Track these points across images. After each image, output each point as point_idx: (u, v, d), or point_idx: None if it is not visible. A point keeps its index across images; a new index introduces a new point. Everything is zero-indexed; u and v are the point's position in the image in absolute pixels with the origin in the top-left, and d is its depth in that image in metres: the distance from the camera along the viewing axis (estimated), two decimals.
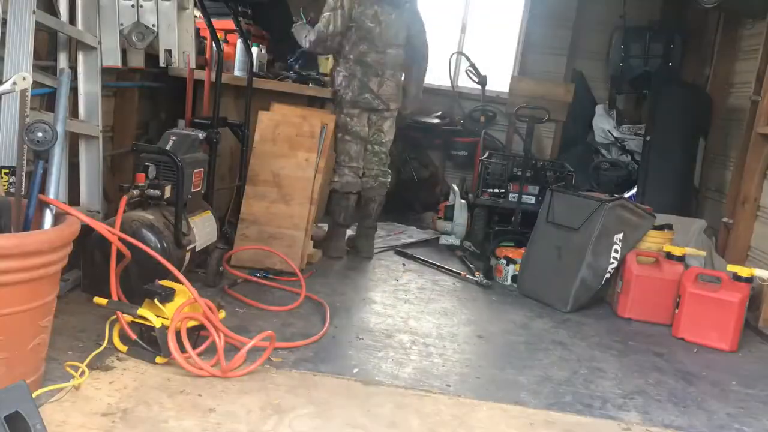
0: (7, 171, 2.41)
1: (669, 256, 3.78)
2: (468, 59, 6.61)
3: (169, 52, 3.45)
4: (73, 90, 3.19)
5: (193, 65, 3.94)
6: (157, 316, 2.40)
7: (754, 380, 3.08)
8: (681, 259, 3.79)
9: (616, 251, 3.80)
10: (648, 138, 5.51)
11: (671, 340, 3.52)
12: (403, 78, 4.50)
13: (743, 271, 3.45)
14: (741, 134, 4.67)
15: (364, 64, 4.22)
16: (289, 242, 3.89)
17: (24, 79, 2.16)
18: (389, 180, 4.57)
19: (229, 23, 4.47)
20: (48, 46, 3.12)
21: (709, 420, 2.60)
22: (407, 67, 4.49)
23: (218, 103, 3.86)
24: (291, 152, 4.05)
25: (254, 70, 4.24)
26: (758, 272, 3.53)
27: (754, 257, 4.30)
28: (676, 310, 3.56)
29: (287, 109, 4.19)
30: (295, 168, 4.02)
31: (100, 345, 2.47)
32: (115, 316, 2.51)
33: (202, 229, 3.37)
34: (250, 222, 3.97)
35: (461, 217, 5.04)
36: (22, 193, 2.23)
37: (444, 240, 5.07)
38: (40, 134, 2.05)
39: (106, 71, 3.41)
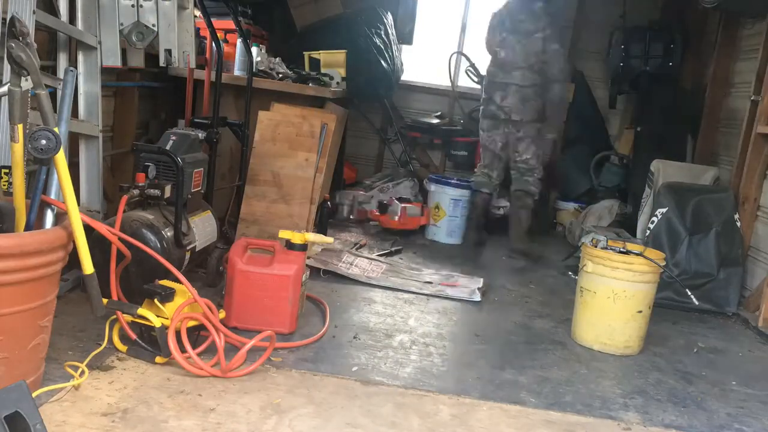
0: (7, 171, 2.41)
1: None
2: (468, 59, 6.60)
3: (169, 51, 3.45)
4: (73, 90, 3.19)
5: (193, 65, 3.94)
6: (157, 316, 2.40)
7: (754, 380, 3.08)
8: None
9: None
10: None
11: None
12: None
13: (296, 237, 2.95)
14: (741, 134, 4.67)
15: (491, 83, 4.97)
16: None
17: (25, 79, 2.16)
18: (527, 194, 4.96)
19: (229, 23, 4.48)
20: (48, 46, 3.13)
21: (709, 420, 2.60)
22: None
23: (218, 102, 3.86)
24: (291, 152, 4.05)
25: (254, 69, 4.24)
26: (311, 236, 3.04)
27: (755, 257, 4.30)
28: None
29: (287, 109, 4.19)
30: (295, 168, 4.02)
31: (100, 345, 2.47)
32: (115, 316, 2.51)
33: (202, 228, 3.37)
34: (249, 222, 3.97)
35: None
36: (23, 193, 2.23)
37: None
38: (44, 142, 2.00)
39: (106, 71, 3.41)
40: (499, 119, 4.92)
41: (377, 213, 5.23)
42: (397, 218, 5.14)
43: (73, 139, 3.22)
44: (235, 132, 4.09)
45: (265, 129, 4.08)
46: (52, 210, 2.17)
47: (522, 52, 4.80)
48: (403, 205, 5.17)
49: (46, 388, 2.10)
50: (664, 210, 4.38)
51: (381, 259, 4.34)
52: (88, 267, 2.17)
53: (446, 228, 5.29)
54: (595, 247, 3.29)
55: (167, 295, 2.47)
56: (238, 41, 4.43)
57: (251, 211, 3.98)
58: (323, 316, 3.18)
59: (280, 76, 4.60)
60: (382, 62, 5.89)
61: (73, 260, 2.16)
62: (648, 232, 4.42)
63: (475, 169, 5.23)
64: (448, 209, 5.27)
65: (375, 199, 5.56)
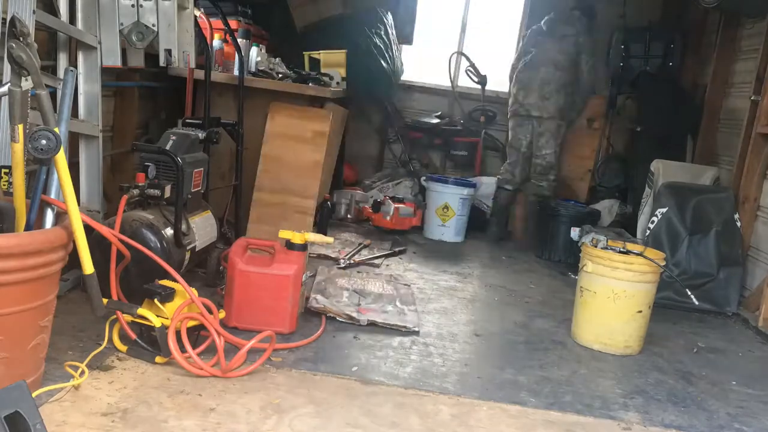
0: (7, 171, 2.41)
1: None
2: (468, 59, 6.60)
3: (169, 51, 3.45)
4: (73, 90, 3.19)
5: (193, 65, 3.94)
6: (157, 316, 2.40)
7: (754, 380, 3.08)
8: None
9: None
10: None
11: None
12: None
13: (296, 238, 2.94)
14: (741, 134, 4.67)
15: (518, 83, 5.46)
16: None
17: (25, 79, 2.16)
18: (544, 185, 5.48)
19: (230, 23, 4.46)
20: (48, 46, 3.12)
21: (709, 420, 2.60)
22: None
23: (209, 102, 3.85)
24: (298, 153, 4.12)
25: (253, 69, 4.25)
26: (311, 236, 3.01)
27: (755, 257, 4.30)
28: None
29: (294, 110, 4.26)
30: (301, 169, 4.07)
31: (100, 345, 2.47)
32: (115, 316, 2.51)
33: (202, 228, 3.36)
34: (256, 223, 4.03)
35: None
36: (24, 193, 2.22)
37: None
38: (44, 142, 2.00)
39: (106, 71, 3.41)
40: (523, 117, 5.40)
41: (371, 211, 5.23)
42: (389, 218, 5.12)
43: (73, 139, 3.22)
44: (229, 132, 4.08)
45: (273, 129, 4.14)
46: (52, 210, 2.17)
47: (552, 50, 5.24)
48: (396, 205, 5.15)
49: (46, 388, 2.10)
50: (664, 210, 4.39)
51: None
52: (88, 267, 2.17)
53: (455, 227, 5.29)
54: (595, 247, 3.29)
55: (167, 295, 2.47)
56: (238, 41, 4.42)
57: (259, 212, 4.05)
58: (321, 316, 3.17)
59: (280, 76, 4.59)
60: (382, 62, 5.89)
61: (73, 260, 2.16)
62: (648, 232, 4.42)
63: (501, 167, 5.68)
64: (457, 209, 5.28)
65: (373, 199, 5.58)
